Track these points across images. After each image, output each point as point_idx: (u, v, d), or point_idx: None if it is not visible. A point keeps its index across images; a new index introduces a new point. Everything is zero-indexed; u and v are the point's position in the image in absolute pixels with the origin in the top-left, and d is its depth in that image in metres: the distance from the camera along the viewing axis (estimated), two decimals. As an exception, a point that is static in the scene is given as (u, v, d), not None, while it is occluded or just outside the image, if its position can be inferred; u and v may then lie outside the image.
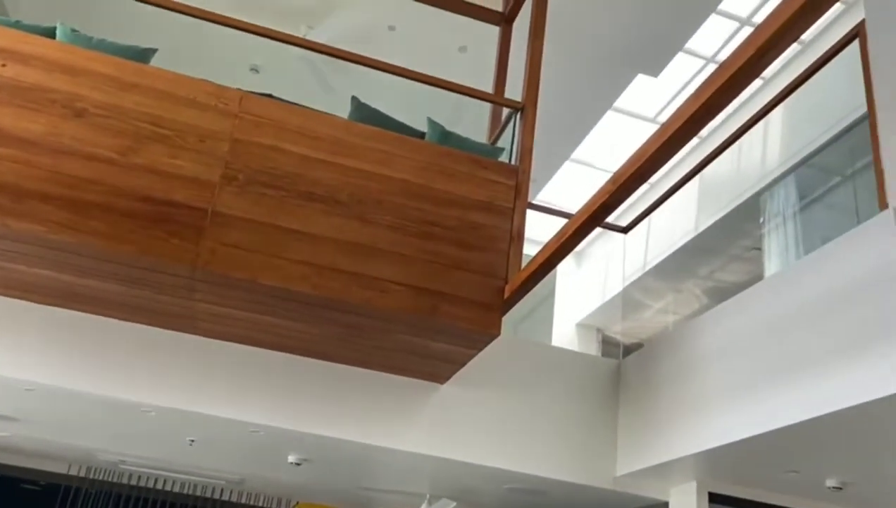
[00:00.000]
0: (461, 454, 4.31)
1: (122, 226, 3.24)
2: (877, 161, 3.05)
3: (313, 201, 3.50)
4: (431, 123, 3.97)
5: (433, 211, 3.66)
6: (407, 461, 4.60)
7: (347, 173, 3.58)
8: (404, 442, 4.25)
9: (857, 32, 3.38)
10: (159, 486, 7.46)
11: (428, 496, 5.53)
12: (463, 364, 4.05)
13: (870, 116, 3.19)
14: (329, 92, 5.93)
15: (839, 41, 3.63)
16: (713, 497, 4.27)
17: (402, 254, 3.53)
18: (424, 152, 3.78)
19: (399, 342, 3.83)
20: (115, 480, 7.33)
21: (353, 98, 3.92)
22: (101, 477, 7.29)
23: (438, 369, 4.15)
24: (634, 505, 4.95)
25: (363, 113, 3.89)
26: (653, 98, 7.07)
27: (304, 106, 3.72)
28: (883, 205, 2.87)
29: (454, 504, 5.25)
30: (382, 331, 3.72)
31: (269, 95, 3.69)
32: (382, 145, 3.69)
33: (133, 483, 7.36)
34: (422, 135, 3.93)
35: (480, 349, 3.82)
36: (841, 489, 3.97)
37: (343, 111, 3.85)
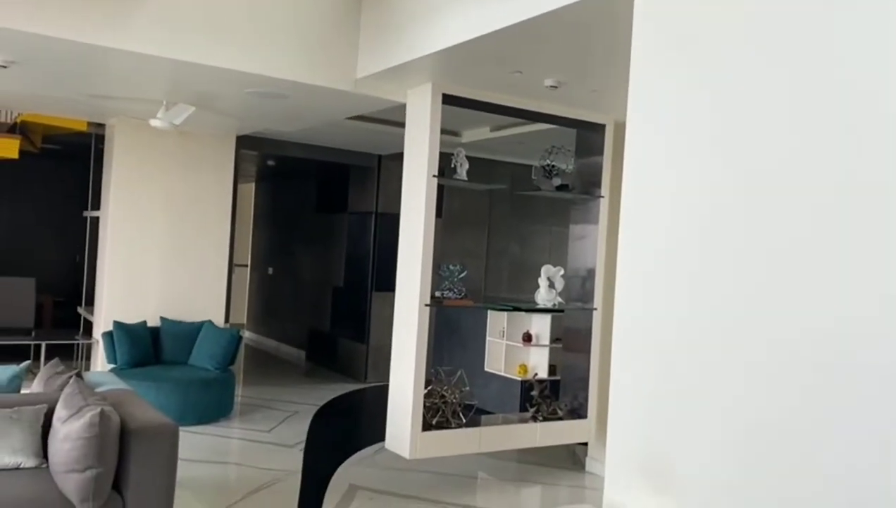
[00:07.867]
0: (196, 55, 4.06)
1: None
2: None
3: None
4: None
5: None
6: (137, 64, 4.25)
7: None
8: (127, 41, 3.87)
9: None
10: None
11: (164, 102, 5.28)
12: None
13: None
14: None
15: None
16: (446, 99, 4.53)
17: None
18: None
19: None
20: None
21: None
22: None
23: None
24: (374, 107, 5.18)
25: None
26: None
27: None
28: None
29: (192, 108, 5.09)
30: None
31: None
32: None
33: None
34: None
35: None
36: (556, 87, 4.41)
37: None
